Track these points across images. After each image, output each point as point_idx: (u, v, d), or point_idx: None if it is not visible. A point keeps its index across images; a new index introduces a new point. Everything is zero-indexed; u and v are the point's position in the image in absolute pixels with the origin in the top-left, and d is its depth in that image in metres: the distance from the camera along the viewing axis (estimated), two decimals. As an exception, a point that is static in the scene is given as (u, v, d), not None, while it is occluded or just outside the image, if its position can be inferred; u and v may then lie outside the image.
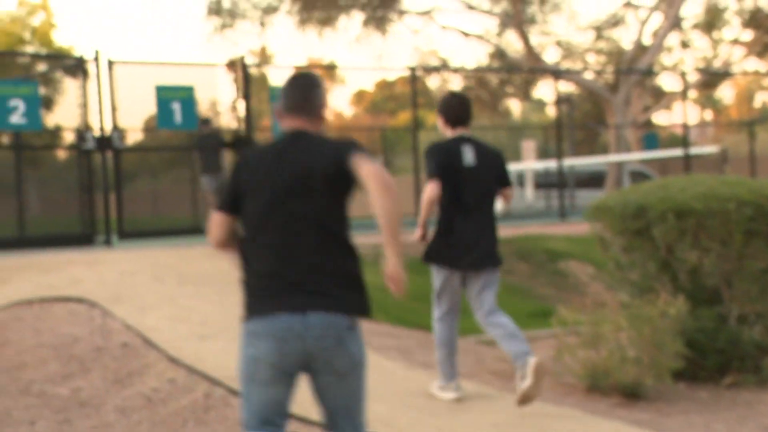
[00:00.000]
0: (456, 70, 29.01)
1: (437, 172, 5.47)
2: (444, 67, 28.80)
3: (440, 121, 5.76)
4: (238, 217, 3.51)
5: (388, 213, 3.33)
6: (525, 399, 5.07)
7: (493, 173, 5.60)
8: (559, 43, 28.18)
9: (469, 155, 5.56)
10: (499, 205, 5.79)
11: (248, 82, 13.47)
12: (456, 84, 30.21)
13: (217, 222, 3.53)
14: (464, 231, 5.49)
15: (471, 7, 25.15)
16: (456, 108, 5.73)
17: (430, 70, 28.57)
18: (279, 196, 3.41)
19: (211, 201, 13.86)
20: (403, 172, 28.52)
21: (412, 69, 16.09)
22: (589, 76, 25.61)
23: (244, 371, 3.40)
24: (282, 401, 3.41)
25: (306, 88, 3.58)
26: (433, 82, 32.81)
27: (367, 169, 3.32)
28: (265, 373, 3.35)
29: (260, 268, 3.44)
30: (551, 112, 33.62)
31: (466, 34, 25.87)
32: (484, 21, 39.88)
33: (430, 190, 5.44)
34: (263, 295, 3.40)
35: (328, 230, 3.43)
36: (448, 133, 5.71)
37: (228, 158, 14.76)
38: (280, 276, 3.39)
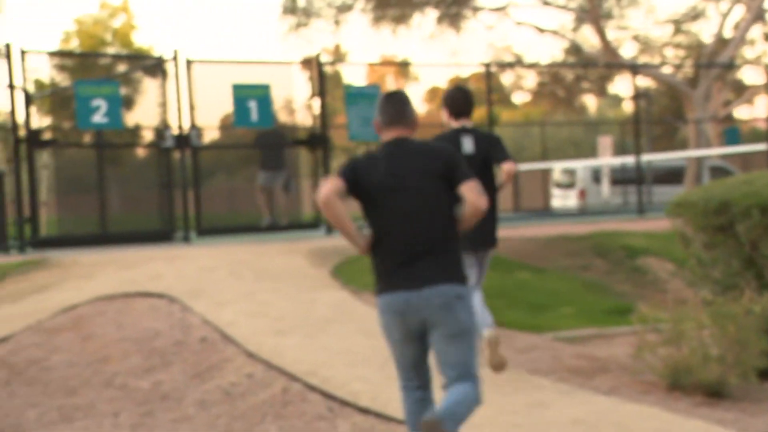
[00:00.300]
0: (531, 66, 28.77)
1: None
2: (518, 63, 28.57)
3: (445, 114, 6.28)
4: (348, 196, 4.22)
5: (470, 220, 4.28)
6: (494, 369, 5.72)
7: (489, 158, 6.09)
8: (636, 38, 27.75)
9: (468, 144, 6.05)
10: (501, 180, 6.24)
11: (323, 79, 13.54)
12: (531, 80, 29.95)
13: (333, 184, 4.18)
14: None
15: (546, 3, 24.91)
16: (459, 101, 6.26)
17: (504, 66, 28.36)
18: (402, 195, 4.21)
19: (261, 198, 13.98)
20: (477, 169, 28.37)
21: (487, 65, 16.01)
22: (667, 70, 25.17)
23: (384, 334, 4.31)
24: (418, 358, 4.27)
25: (400, 105, 4.37)
26: (507, 79, 32.57)
27: (469, 188, 4.21)
28: (397, 335, 4.22)
29: (387, 251, 4.22)
30: (628, 107, 33.13)
31: (541, 30, 25.62)
32: (560, 16, 39.49)
33: None
34: (388, 275, 4.21)
35: (441, 220, 4.23)
36: (453, 124, 6.23)
37: (304, 156, 14.86)
38: (403, 258, 4.18)
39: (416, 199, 4.19)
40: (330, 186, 4.14)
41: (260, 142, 13.91)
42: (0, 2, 39.43)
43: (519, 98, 39.75)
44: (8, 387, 5.82)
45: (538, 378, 5.77)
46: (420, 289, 4.10)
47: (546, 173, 23.46)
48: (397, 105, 4.36)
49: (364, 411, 5.01)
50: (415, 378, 4.28)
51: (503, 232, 13.34)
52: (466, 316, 4.17)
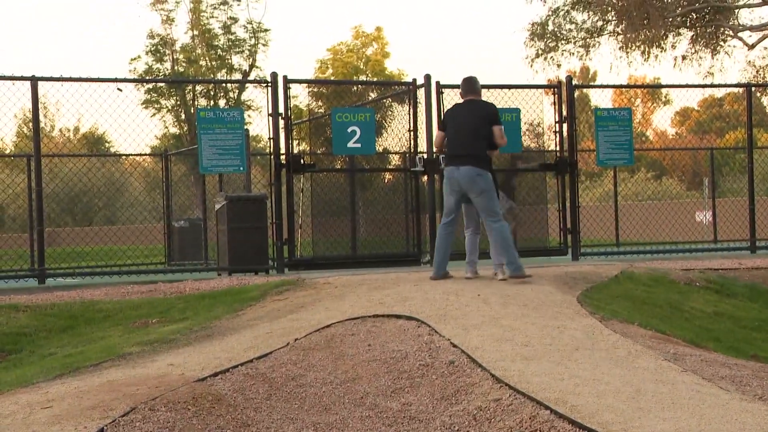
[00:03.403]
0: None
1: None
2: (781, 82, 26.98)
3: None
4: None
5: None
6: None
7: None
8: None
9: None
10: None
11: (573, 103, 13.39)
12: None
13: (439, 136, 10.23)
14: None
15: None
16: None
17: (767, 86, 26.91)
18: (464, 125, 9.74)
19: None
20: (732, 194, 27.01)
21: (749, 86, 15.26)
22: None
23: (444, 189, 9.95)
24: (456, 205, 9.85)
25: (473, 83, 9.98)
26: (767, 100, 30.89)
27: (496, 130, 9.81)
28: (449, 189, 9.84)
29: (449, 152, 9.80)
30: None
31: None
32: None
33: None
34: (449, 161, 9.79)
35: (481, 138, 9.70)
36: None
37: (550, 181, 14.73)
38: (454, 155, 9.73)
39: (476, 128, 9.67)
40: (438, 140, 10.34)
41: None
42: (265, 37, 41.92)
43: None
44: (269, 401, 6.12)
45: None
46: (458, 168, 9.67)
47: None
48: (471, 83, 9.96)
49: (615, 443, 4.86)
50: (455, 214, 9.94)
51: (762, 261, 12.68)
52: (484, 184, 9.60)
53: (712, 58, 25.99)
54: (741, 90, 16.44)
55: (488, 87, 12.92)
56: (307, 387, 6.37)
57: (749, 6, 25.79)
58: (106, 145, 52.02)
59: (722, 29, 25.21)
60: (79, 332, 9.11)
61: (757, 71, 27.14)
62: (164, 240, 18.28)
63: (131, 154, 21.09)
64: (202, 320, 8.81)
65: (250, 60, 41.87)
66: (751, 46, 25.96)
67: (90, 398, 5.85)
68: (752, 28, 25.30)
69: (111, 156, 28.61)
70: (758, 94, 29.11)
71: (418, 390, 6.17)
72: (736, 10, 25.53)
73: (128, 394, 5.84)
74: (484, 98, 10.34)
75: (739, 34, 25.62)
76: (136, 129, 20.32)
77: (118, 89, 12.87)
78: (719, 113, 55.65)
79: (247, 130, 13.48)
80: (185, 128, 40.83)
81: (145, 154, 22.39)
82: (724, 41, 25.77)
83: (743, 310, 10.04)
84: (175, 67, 41.46)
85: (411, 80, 13.24)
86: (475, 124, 9.77)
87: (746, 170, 15.25)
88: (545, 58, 26.25)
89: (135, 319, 9.31)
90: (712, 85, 18.83)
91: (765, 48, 27.19)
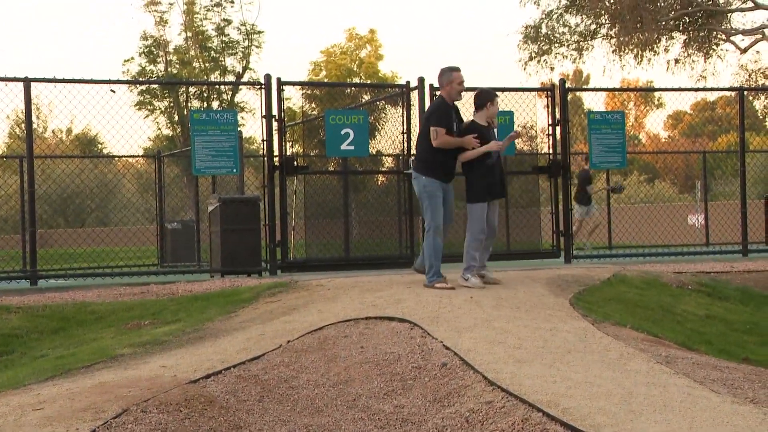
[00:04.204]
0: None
1: None
2: (772, 86, 27.07)
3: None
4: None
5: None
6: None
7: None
8: None
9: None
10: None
11: (566, 106, 13.41)
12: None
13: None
14: None
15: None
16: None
17: (759, 90, 27.01)
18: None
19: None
20: (724, 198, 27.08)
21: (741, 89, 15.30)
22: None
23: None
24: None
25: (438, 77, 9.22)
26: (758, 103, 30.97)
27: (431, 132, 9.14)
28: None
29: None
30: None
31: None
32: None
33: None
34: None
35: (422, 139, 9.25)
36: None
37: (542, 184, 14.76)
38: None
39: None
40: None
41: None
42: (259, 38, 41.87)
43: (772, 123, 37.69)
44: (261, 403, 6.12)
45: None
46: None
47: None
48: (439, 77, 9.23)
49: (607, 446, 4.87)
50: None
51: (754, 264, 12.71)
52: (418, 188, 9.30)
53: (705, 62, 26.09)
54: (733, 93, 16.49)
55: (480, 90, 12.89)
56: (299, 389, 6.37)
57: (741, 10, 25.88)
58: (99, 146, 51.93)
59: (715, 33, 25.29)
60: (71, 334, 9.09)
61: (749, 75, 27.23)
62: (157, 241, 18.25)
63: (124, 156, 21.07)
64: (195, 322, 8.80)
65: (244, 62, 41.81)
66: (744, 50, 26.05)
67: (82, 400, 5.84)
68: (744, 32, 25.39)
69: (104, 157, 28.57)
70: (750, 98, 29.18)
71: (410, 392, 6.17)
72: (729, 14, 25.62)
73: (120, 396, 5.83)
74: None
75: (732, 38, 25.70)
76: (129, 130, 20.28)
77: (111, 91, 12.85)
78: (711, 117, 55.81)
79: (240, 131, 13.47)
80: (178, 130, 40.75)
81: (138, 156, 22.39)
82: (717, 45, 25.86)
83: (735, 313, 10.06)
84: (169, 69, 41.39)
85: (404, 82, 13.24)
86: (422, 125, 9.57)
87: (738, 173, 15.29)
88: (538, 61, 26.32)
89: (127, 321, 9.30)
90: (704, 89, 18.91)
91: (757, 52, 27.32)
